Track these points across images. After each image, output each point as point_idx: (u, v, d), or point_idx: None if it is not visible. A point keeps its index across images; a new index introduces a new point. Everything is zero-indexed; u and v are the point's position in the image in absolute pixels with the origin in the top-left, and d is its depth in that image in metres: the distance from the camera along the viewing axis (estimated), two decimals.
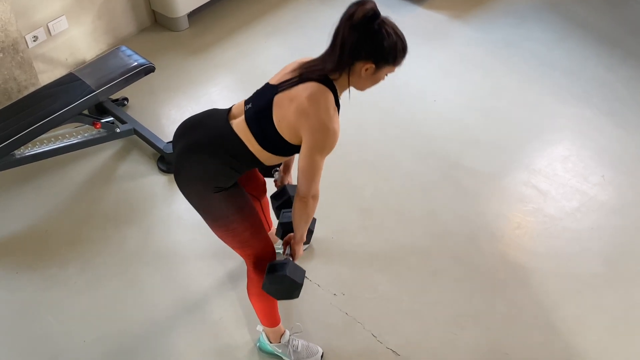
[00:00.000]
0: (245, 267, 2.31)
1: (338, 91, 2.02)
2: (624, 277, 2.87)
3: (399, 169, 3.35)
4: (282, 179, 2.58)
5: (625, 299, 2.79)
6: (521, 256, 2.95)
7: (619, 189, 3.23)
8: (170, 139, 3.39)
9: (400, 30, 1.97)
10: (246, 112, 2.09)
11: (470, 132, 3.54)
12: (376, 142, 3.50)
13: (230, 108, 2.18)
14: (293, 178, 2.58)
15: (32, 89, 3.53)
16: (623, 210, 3.14)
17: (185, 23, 4.25)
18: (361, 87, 2.07)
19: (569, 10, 4.37)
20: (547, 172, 3.32)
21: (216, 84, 3.87)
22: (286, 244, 2.34)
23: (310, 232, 2.38)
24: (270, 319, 2.46)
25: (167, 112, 3.69)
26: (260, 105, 2.06)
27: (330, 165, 3.07)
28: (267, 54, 4.07)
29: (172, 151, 3.24)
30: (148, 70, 3.33)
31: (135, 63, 3.32)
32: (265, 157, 2.10)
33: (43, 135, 3.14)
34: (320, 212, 2.90)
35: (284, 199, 2.50)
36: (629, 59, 3.98)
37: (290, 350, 2.53)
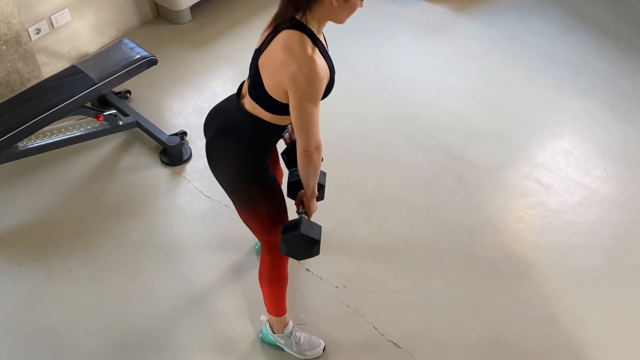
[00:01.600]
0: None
1: (315, 31, 1.89)
2: (625, 271, 2.87)
3: (402, 162, 3.35)
4: (291, 134, 2.50)
5: (627, 292, 2.79)
6: (523, 249, 2.95)
7: (621, 182, 3.23)
8: (173, 131, 3.44)
9: None
10: (248, 87, 2.07)
11: (473, 126, 3.54)
12: (378, 135, 3.50)
13: (240, 88, 2.16)
14: None
15: (35, 82, 3.53)
16: (625, 204, 3.14)
17: (188, 16, 4.25)
18: (339, 20, 1.95)
19: (573, 3, 4.36)
20: (550, 165, 3.31)
21: (219, 76, 3.87)
22: (299, 202, 2.24)
23: (321, 186, 2.26)
24: (278, 308, 2.47)
25: (170, 104, 3.70)
26: (252, 73, 2.03)
27: (332, 158, 3.08)
28: None
29: (174, 144, 3.29)
30: (150, 63, 3.33)
31: (138, 56, 3.32)
32: (279, 120, 2.04)
33: (46, 128, 3.15)
34: (322, 205, 2.91)
35: (294, 155, 2.34)
36: (632, 53, 3.97)
37: (293, 341, 2.54)
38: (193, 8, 4.25)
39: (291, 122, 2.34)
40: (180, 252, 2.95)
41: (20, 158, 3.18)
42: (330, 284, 2.82)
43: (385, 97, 3.69)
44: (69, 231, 3.05)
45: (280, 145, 2.40)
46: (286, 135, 2.52)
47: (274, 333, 2.55)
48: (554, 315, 2.71)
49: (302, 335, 2.56)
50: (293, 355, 2.56)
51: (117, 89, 3.63)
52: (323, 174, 2.33)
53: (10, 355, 2.60)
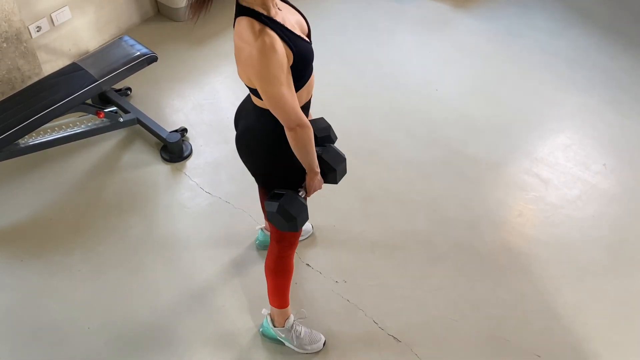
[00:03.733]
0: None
1: (262, 10, 1.83)
2: (624, 265, 2.88)
3: (401, 157, 3.35)
4: None
5: (626, 286, 2.80)
6: (522, 244, 2.96)
7: (621, 177, 3.24)
8: (174, 128, 3.46)
9: None
10: None
11: (472, 121, 3.55)
12: (378, 130, 3.50)
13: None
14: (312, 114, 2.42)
15: (35, 79, 3.54)
16: (624, 198, 3.14)
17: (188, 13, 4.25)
18: None
19: None
20: (549, 160, 3.32)
21: (219, 73, 3.88)
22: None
23: (332, 169, 2.20)
24: (281, 299, 2.48)
25: (170, 101, 3.71)
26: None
27: None
28: None
29: (175, 140, 3.30)
30: (151, 60, 3.34)
31: (138, 53, 3.33)
32: (293, 101, 1.97)
33: (47, 125, 3.16)
34: (322, 200, 2.93)
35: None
36: (631, 48, 3.98)
37: (294, 335, 2.55)
38: None
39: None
40: (181, 247, 2.97)
41: (21, 155, 3.18)
42: (330, 278, 2.83)
43: (384, 93, 3.69)
44: (70, 227, 3.06)
45: None
46: None
47: (274, 327, 2.56)
48: (553, 309, 2.71)
49: (302, 330, 2.57)
50: (293, 350, 2.57)
51: (117, 86, 3.64)
52: (342, 159, 2.26)
53: (11, 350, 2.62)
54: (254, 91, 1.98)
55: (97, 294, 2.80)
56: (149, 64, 3.35)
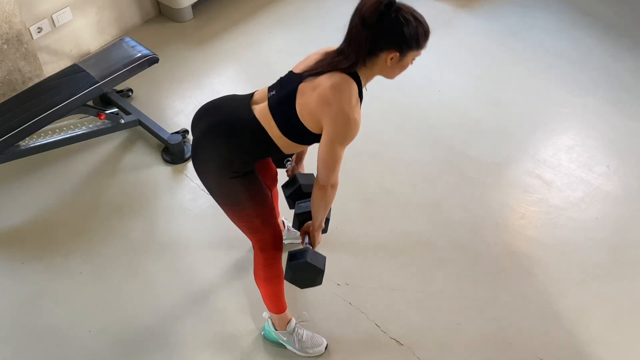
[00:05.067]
0: (252, 256, 2.33)
1: (362, 81, 2.00)
2: (628, 267, 2.86)
3: (404, 159, 3.34)
4: (294, 168, 2.58)
5: (629, 289, 2.78)
6: (525, 246, 2.94)
7: (624, 179, 3.22)
8: (175, 129, 3.43)
9: (418, 13, 1.93)
10: (269, 99, 2.09)
11: (475, 122, 3.53)
12: (380, 132, 3.49)
13: (252, 94, 2.17)
14: (305, 168, 2.60)
15: (36, 81, 3.54)
16: (628, 200, 3.12)
17: (189, 14, 4.25)
18: (389, 76, 2.05)
19: None
20: (552, 162, 3.30)
21: (220, 74, 3.87)
22: (304, 233, 2.34)
23: (327, 220, 2.38)
24: (277, 305, 2.47)
25: (172, 103, 3.70)
26: (284, 92, 2.05)
27: None
28: (272, 44, 4.06)
29: (176, 142, 3.28)
30: (152, 61, 3.33)
31: (139, 54, 3.32)
32: (285, 144, 2.10)
33: (48, 127, 3.15)
34: None
35: (294, 188, 2.49)
36: (635, 48, 3.96)
37: (295, 339, 2.54)
38: (194, 6, 4.25)
39: (291, 154, 2.42)
40: (182, 250, 2.96)
41: (22, 157, 3.18)
42: (332, 281, 2.82)
43: (387, 94, 3.68)
44: (71, 230, 3.05)
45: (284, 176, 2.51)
46: (289, 165, 2.55)
47: (276, 330, 2.55)
48: (556, 311, 2.70)
49: (304, 333, 2.56)
50: (295, 353, 2.56)
51: (118, 88, 3.63)
52: (329, 209, 2.38)
53: (12, 353, 2.61)
54: (289, 123, 2.03)
55: (98, 297, 2.79)
56: (150, 65, 3.34)
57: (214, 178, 2.15)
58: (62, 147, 3.31)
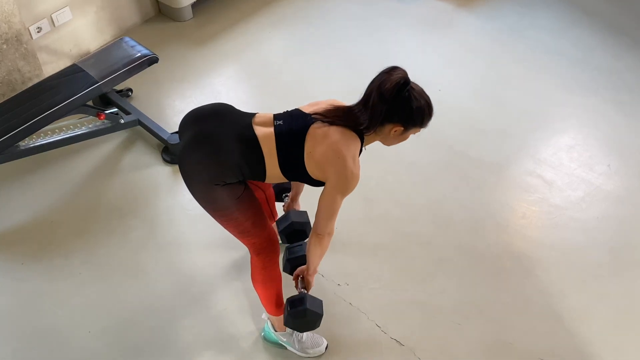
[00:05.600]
0: (250, 258, 2.33)
1: (365, 142, 2.13)
2: (629, 267, 2.86)
3: (404, 159, 3.33)
4: (289, 205, 2.69)
5: (631, 288, 2.78)
6: (526, 246, 2.94)
7: (625, 178, 3.21)
8: (175, 129, 3.42)
9: (426, 95, 2.08)
10: (276, 127, 2.11)
11: (476, 121, 3.53)
12: None
13: (254, 114, 2.19)
14: (299, 205, 2.73)
15: (36, 81, 3.53)
16: (629, 199, 3.12)
17: (189, 13, 4.24)
18: (387, 143, 2.18)
19: None
20: (553, 161, 3.30)
21: (220, 74, 3.87)
22: (296, 277, 2.42)
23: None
24: (276, 307, 2.46)
25: (172, 102, 3.69)
26: (295, 128, 2.09)
27: None
28: (271, 44, 4.06)
29: (176, 142, 3.28)
30: (152, 61, 3.33)
31: (139, 54, 3.31)
32: (275, 174, 2.14)
33: (47, 127, 3.15)
34: None
35: (287, 224, 2.59)
36: (636, 47, 3.95)
37: (295, 339, 2.53)
38: (194, 5, 4.24)
39: (288, 190, 2.64)
40: (182, 250, 2.95)
41: (22, 157, 3.18)
42: (333, 281, 2.81)
43: None
44: (71, 230, 3.05)
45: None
46: (287, 200, 2.71)
47: (275, 331, 2.54)
48: (557, 311, 2.69)
49: (304, 333, 2.55)
50: (296, 354, 2.56)
51: (118, 87, 3.62)
52: None
53: (12, 354, 2.61)
54: (290, 163, 2.10)
55: (98, 297, 2.79)
56: (149, 65, 3.34)
57: (200, 185, 2.14)
58: (62, 147, 3.31)
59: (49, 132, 3.23)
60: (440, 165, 3.30)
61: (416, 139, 3.42)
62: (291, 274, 2.48)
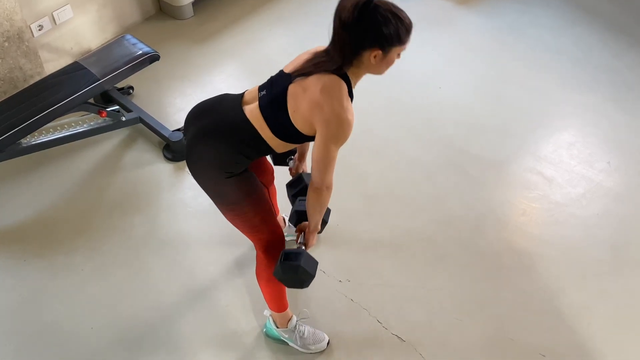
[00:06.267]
0: (253, 254, 2.34)
1: (352, 81, 2.01)
2: (629, 264, 2.87)
3: (404, 156, 3.34)
4: (297, 167, 2.59)
5: (631, 285, 2.79)
6: (526, 242, 2.95)
7: (625, 175, 3.22)
8: (176, 127, 3.43)
9: (398, 9, 1.93)
10: (260, 100, 2.08)
11: (476, 119, 3.53)
12: (381, 129, 3.49)
13: (243, 94, 2.17)
14: (308, 166, 2.59)
15: (37, 78, 3.54)
16: (628, 196, 3.13)
17: (190, 11, 4.24)
18: (377, 72, 2.03)
19: None
20: (553, 158, 3.31)
21: (221, 71, 3.87)
22: (300, 231, 2.34)
23: (324, 222, 2.36)
24: (278, 304, 2.47)
25: (173, 100, 3.70)
26: (275, 93, 2.05)
27: None
28: (272, 41, 4.06)
29: (177, 139, 3.29)
30: (153, 58, 3.33)
31: (140, 52, 3.32)
32: (277, 144, 2.11)
33: (49, 124, 3.15)
34: None
35: (300, 187, 2.49)
36: (636, 45, 3.96)
37: (297, 335, 2.54)
38: (195, 3, 4.25)
39: (293, 153, 2.49)
40: (184, 247, 2.96)
41: (24, 155, 3.18)
42: (334, 278, 2.82)
43: (387, 91, 3.68)
44: (72, 227, 3.05)
45: (284, 175, 2.48)
46: (291, 164, 2.58)
47: (277, 328, 2.55)
48: (557, 308, 2.70)
49: (306, 330, 2.56)
50: (297, 350, 2.56)
51: (119, 85, 3.63)
52: (328, 210, 2.37)
53: (15, 350, 2.61)
54: (281, 125, 2.03)
55: (100, 294, 2.80)
56: (151, 62, 3.34)
57: (209, 179, 2.15)
58: (64, 145, 3.31)
59: (51, 130, 3.23)
60: (441, 162, 3.31)
61: (416, 136, 3.47)
62: (296, 225, 2.38)
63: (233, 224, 2.27)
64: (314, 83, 1.96)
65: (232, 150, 2.09)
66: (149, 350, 2.60)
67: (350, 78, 1.99)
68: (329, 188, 2.08)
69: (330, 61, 1.96)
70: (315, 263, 2.23)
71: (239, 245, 2.93)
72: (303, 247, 2.26)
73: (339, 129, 1.96)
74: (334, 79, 1.95)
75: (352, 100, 2.02)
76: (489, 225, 3.02)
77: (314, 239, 2.29)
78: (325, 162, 2.00)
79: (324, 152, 1.99)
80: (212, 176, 2.13)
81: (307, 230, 2.28)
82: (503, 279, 2.81)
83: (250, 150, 2.11)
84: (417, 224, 3.03)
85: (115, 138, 3.47)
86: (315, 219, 2.20)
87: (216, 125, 2.12)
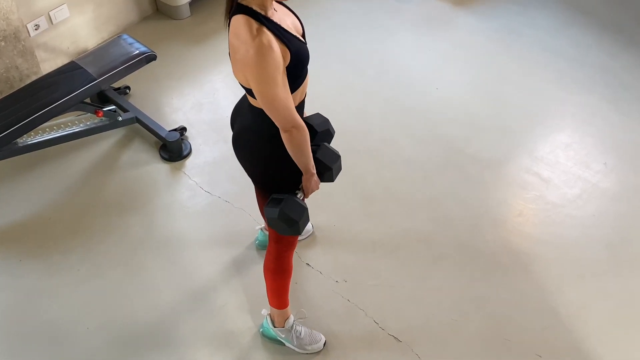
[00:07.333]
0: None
1: (259, 9, 1.84)
2: (625, 264, 2.87)
3: (402, 156, 3.34)
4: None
5: (627, 285, 2.79)
6: (523, 243, 2.95)
7: (621, 176, 3.23)
8: (172, 127, 3.44)
9: None
10: None
11: (473, 120, 3.54)
12: (378, 129, 3.49)
13: None
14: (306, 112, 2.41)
15: (34, 78, 3.53)
16: (625, 197, 3.13)
17: (187, 11, 4.24)
18: None
19: None
20: (550, 159, 3.31)
21: (219, 71, 3.87)
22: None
23: (328, 168, 2.19)
24: (280, 300, 2.47)
25: (169, 100, 3.69)
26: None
27: None
28: None
29: (174, 139, 3.29)
30: (149, 58, 3.33)
31: (137, 51, 3.31)
32: (267, 108, 1.98)
33: (45, 124, 3.14)
34: (323, 199, 2.92)
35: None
36: (632, 46, 3.97)
37: (294, 336, 2.54)
38: (192, 3, 4.24)
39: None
40: (180, 247, 2.96)
41: (20, 154, 3.17)
42: (331, 278, 2.82)
43: (385, 92, 3.68)
44: (69, 227, 3.05)
45: None
46: None
47: (274, 327, 2.55)
48: (554, 308, 2.71)
49: (302, 330, 2.56)
50: (294, 350, 2.56)
51: (116, 85, 3.62)
52: (337, 157, 2.23)
53: (10, 350, 2.60)
54: (249, 91, 1.97)
55: (96, 294, 2.79)
56: (147, 62, 3.34)
57: (259, 172, 2.18)
58: (60, 145, 3.31)
59: (47, 130, 3.22)
60: (438, 162, 3.31)
61: (413, 136, 3.47)
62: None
63: (262, 210, 2.27)
64: (230, 35, 1.91)
65: (266, 142, 2.08)
66: (145, 351, 2.60)
67: (253, 7, 1.84)
68: (296, 127, 1.92)
69: (227, 2, 1.91)
70: (302, 208, 2.10)
71: (236, 246, 2.93)
72: (291, 195, 2.13)
73: (258, 66, 1.80)
74: (236, 19, 1.85)
75: (273, 29, 1.84)
76: (486, 225, 3.02)
77: (312, 184, 2.13)
78: (271, 104, 1.86)
79: (262, 95, 1.85)
80: (258, 168, 2.18)
81: (303, 177, 2.13)
82: (499, 279, 2.81)
83: (270, 135, 2.03)
84: (413, 224, 3.03)
85: (111, 138, 3.47)
86: (299, 162, 2.04)
87: (243, 127, 2.16)
